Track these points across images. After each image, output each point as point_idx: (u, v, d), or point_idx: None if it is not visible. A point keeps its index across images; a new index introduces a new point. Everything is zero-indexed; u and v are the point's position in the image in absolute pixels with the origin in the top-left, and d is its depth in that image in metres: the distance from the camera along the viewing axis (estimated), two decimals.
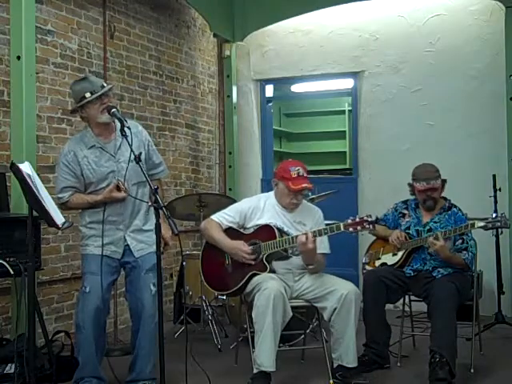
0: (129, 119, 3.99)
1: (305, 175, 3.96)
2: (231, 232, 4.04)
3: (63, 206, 3.68)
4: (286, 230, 3.96)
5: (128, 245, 3.71)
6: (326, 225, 3.91)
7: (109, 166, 3.65)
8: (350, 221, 3.74)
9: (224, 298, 4.94)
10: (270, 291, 3.66)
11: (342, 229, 3.73)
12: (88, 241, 3.72)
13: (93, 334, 3.59)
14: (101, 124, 3.63)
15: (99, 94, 3.56)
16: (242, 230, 4.05)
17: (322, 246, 3.97)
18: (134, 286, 3.73)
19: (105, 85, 3.63)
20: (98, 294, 3.59)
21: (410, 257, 4.29)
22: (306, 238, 3.73)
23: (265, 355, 3.66)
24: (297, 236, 3.82)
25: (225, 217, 4.07)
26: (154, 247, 3.57)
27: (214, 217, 4.11)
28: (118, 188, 3.61)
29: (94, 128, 3.67)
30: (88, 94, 3.56)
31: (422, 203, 4.30)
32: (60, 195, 3.68)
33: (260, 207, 4.06)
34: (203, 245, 4.24)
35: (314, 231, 3.79)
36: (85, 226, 3.74)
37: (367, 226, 3.71)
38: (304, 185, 3.92)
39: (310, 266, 3.91)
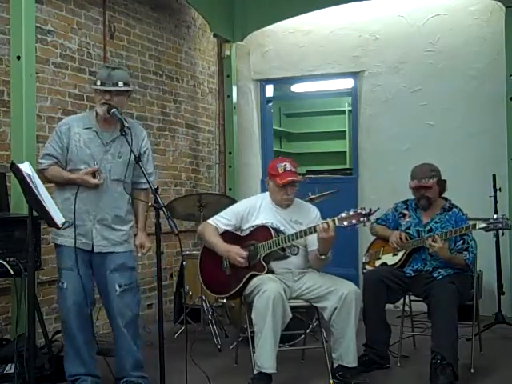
0: (136, 122, 4.00)
1: (292, 170, 3.98)
2: (228, 235, 4.04)
3: (40, 174, 3.51)
4: (282, 229, 3.96)
5: (92, 238, 3.63)
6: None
7: (95, 152, 3.59)
8: (343, 215, 3.71)
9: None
10: (269, 293, 3.66)
11: (337, 223, 3.71)
12: (60, 230, 3.52)
13: (80, 331, 3.59)
14: None
15: (102, 89, 3.55)
16: (238, 233, 4.06)
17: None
18: (101, 285, 3.69)
19: (120, 84, 3.55)
20: (75, 290, 3.57)
21: (411, 257, 4.28)
22: (328, 226, 3.71)
23: (265, 357, 3.67)
24: (294, 234, 3.84)
25: (221, 220, 4.08)
26: (118, 248, 3.62)
27: (210, 220, 4.12)
28: (94, 175, 3.55)
29: (96, 112, 3.63)
30: (98, 82, 3.56)
31: (417, 202, 4.31)
32: (40, 160, 3.65)
33: (256, 207, 4.07)
34: (201, 249, 4.25)
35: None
36: None
37: (362, 219, 3.68)
38: (290, 178, 3.93)
39: (323, 256, 3.87)
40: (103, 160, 3.59)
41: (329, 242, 3.78)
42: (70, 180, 3.59)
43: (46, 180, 3.62)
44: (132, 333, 3.64)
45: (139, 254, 3.77)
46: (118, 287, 3.60)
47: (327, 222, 3.72)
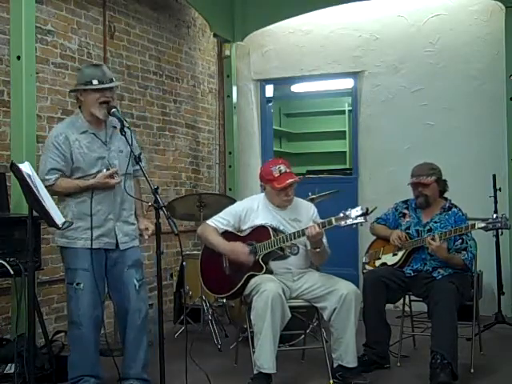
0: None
1: (287, 171, 3.95)
2: (228, 235, 4.04)
3: (49, 190, 3.40)
4: (282, 228, 3.96)
5: (116, 236, 3.64)
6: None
7: (100, 153, 3.60)
8: (341, 214, 3.71)
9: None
10: (268, 293, 3.66)
11: (334, 223, 3.71)
12: (76, 233, 3.55)
13: (92, 332, 3.58)
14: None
15: (106, 86, 3.52)
16: (238, 233, 4.06)
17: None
18: (117, 281, 3.67)
19: (114, 79, 3.61)
20: (92, 291, 3.55)
21: (410, 257, 4.29)
22: (315, 230, 3.72)
23: (265, 357, 3.67)
24: (291, 234, 3.85)
25: (220, 221, 4.07)
26: (135, 242, 3.69)
27: (209, 221, 4.12)
28: (112, 175, 3.56)
29: (86, 115, 3.60)
30: (95, 81, 3.52)
31: (415, 199, 4.31)
32: (47, 177, 3.51)
33: (254, 208, 4.06)
34: (201, 250, 4.24)
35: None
36: (71, 216, 3.55)
37: (359, 219, 3.68)
38: (289, 180, 3.92)
39: (318, 249, 3.88)
40: (110, 159, 3.60)
41: (316, 238, 3.79)
42: (86, 187, 3.53)
43: (56, 194, 3.58)
44: (145, 329, 3.65)
45: (145, 237, 3.75)
46: (136, 282, 3.63)
47: (313, 227, 3.74)
